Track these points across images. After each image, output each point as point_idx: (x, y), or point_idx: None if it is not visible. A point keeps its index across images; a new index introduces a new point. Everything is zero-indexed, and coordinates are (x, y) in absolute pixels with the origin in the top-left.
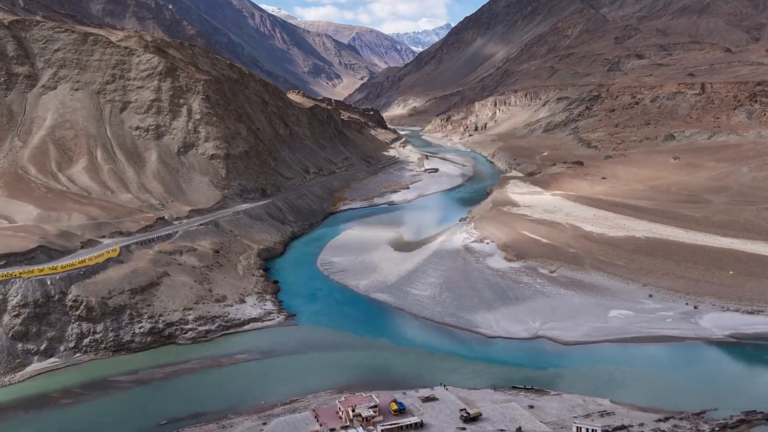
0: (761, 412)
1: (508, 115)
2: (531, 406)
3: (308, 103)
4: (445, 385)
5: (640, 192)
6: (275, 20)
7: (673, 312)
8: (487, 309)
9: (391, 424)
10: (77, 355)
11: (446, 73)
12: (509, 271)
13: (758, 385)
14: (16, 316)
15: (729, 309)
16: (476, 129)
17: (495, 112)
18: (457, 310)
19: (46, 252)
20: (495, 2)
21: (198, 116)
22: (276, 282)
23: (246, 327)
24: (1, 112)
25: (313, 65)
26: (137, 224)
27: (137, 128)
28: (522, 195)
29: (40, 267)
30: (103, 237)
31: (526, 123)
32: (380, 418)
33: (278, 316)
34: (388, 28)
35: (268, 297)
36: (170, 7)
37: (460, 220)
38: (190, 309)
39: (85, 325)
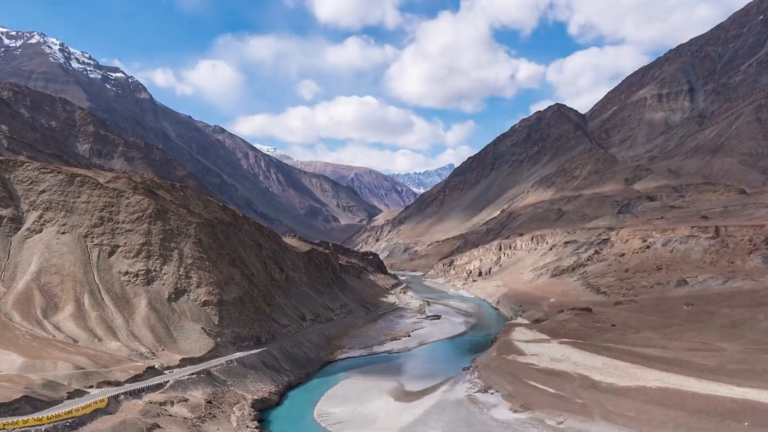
0: None
1: (514, 259)
2: None
3: (305, 246)
4: None
5: (651, 340)
6: (270, 160)
7: None
8: None
9: None
10: None
11: (449, 216)
12: (515, 422)
13: None
14: None
15: None
16: (480, 274)
17: (500, 257)
18: None
19: (30, 402)
20: (500, 142)
21: (189, 261)
22: None
23: None
24: None
25: (309, 207)
26: (126, 374)
27: (126, 273)
28: (528, 343)
29: (25, 418)
30: (91, 387)
31: (532, 268)
32: None
33: None
34: (388, 169)
35: None
36: (160, 146)
37: (463, 369)
38: None
39: None
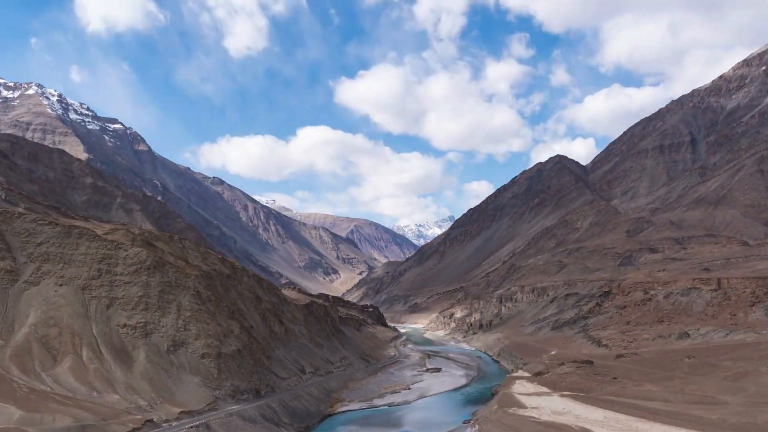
0: None
1: (514, 312)
2: None
3: (304, 299)
4: None
5: (653, 393)
6: (269, 212)
7: None
8: None
9: None
10: None
11: (449, 268)
12: None
13: None
14: None
15: None
16: (481, 326)
17: (500, 309)
18: None
19: None
20: (500, 194)
21: (188, 313)
22: None
23: None
24: None
25: (309, 259)
26: (125, 427)
27: (124, 326)
28: (529, 396)
29: None
30: None
31: (533, 320)
32: None
33: None
34: (388, 220)
35: None
36: (159, 198)
37: (464, 422)
38: None
39: None
